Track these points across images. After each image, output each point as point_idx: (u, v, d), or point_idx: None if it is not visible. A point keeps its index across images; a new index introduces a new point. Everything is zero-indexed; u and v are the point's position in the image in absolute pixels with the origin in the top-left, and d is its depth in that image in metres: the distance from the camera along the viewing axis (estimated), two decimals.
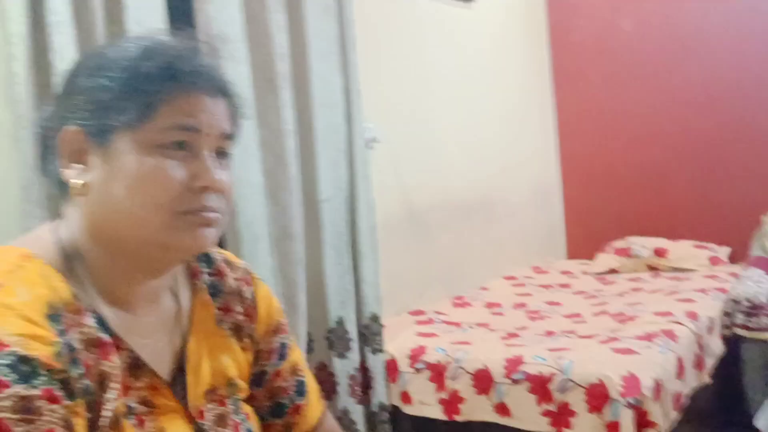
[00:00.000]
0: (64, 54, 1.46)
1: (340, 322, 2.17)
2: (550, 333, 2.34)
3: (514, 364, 2.03)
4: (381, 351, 2.21)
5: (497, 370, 2.04)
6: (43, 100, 1.47)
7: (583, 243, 3.77)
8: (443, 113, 2.96)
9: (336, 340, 2.16)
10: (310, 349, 2.10)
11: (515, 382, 1.99)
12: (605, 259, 3.39)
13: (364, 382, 2.21)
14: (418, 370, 2.18)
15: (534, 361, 2.01)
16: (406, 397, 2.19)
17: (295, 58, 2.05)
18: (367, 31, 2.39)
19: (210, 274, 0.91)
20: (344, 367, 2.16)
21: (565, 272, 3.38)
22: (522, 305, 2.77)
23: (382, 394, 2.20)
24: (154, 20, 1.64)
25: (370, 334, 2.21)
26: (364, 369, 2.21)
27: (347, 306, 2.17)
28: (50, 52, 1.47)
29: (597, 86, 3.70)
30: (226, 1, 1.84)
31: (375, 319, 2.21)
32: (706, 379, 2.37)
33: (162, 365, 0.81)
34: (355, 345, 2.18)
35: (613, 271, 3.31)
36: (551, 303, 2.79)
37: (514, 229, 3.44)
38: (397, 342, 2.28)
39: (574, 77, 3.77)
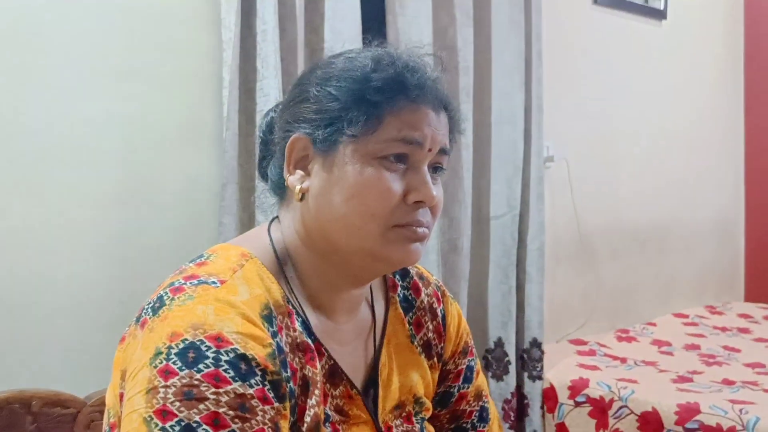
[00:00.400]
0: (268, 61, 1.54)
1: (499, 344, 2.12)
2: (728, 382, 2.14)
3: (688, 411, 1.87)
4: (540, 378, 2.13)
5: (668, 416, 1.88)
6: (246, 105, 1.57)
7: (764, 285, 3.43)
8: (624, 134, 2.81)
9: (494, 361, 2.11)
10: None
11: (689, 431, 1.84)
12: None
13: (519, 407, 2.14)
14: (578, 403, 2.07)
15: (712, 412, 1.84)
16: (562, 430, 2.09)
17: (479, 72, 2.04)
18: (552, 46, 2.33)
19: (405, 288, 0.91)
20: (500, 390, 2.11)
21: (743, 315, 3.09)
22: (694, 347, 2.56)
23: (536, 423, 2.12)
24: (349, 31, 1.70)
25: (529, 359, 2.14)
26: (520, 394, 2.15)
27: (508, 327, 2.11)
28: (256, 59, 1.55)
29: None
30: (417, 15, 1.86)
31: (536, 344, 2.14)
32: None
33: (356, 375, 0.82)
34: (512, 368, 2.12)
35: None
36: (728, 348, 2.56)
37: (689, 264, 3.19)
38: (557, 371, 2.18)
39: (767, 103, 3.44)
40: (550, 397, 2.13)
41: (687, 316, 2.97)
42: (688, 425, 1.84)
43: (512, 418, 2.12)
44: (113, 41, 1.48)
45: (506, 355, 2.11)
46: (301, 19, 1.63)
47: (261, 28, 1.56)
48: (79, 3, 1.43)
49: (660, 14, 2.92)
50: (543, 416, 2.14)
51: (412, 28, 1.86)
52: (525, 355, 2.15)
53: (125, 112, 1.49)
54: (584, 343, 2.48)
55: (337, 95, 0.75)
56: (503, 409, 2.12)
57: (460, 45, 1.95)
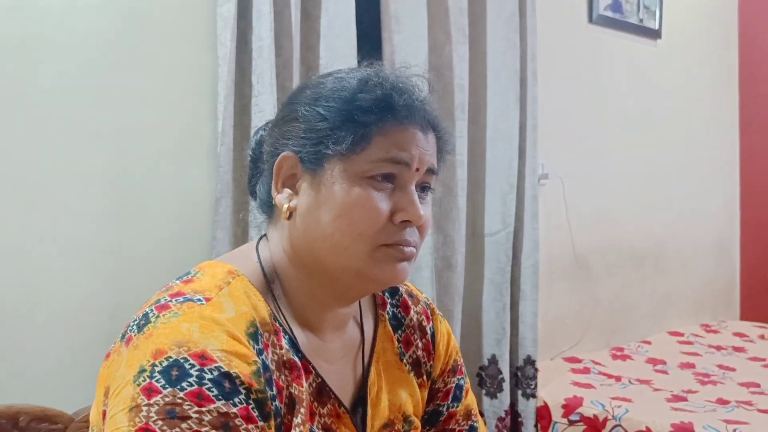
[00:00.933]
0: (264, 77, 1.55)
1: (493, 361, 2.11)
2: (723, 401, 2.13)
3: (681, 431, 1.86)
4: (534, 396, 2.12)
5: None
6: (242, 120, 1.57)
7: (760, 304, 3.43)
8: (619, 153, 2.82)
9: (487, 378, 2.11)
10: None
11: None
12: None
13: (512, 425, 2.13)
14: (571, 422, 2.06)
15: None
16: None
17: (474, 89, 2.05)
18: (548, 64, 2.34)
19: (395, 306, 0.91)
20: (494, 408, 2.10)
21: (738, 334, 3.09)
22: (689, 365, 2.56)
23: None
24: (345, 49, 1.71)
25: (523, 376, 2.13)
26: (514, 412, 2.14)
27: (502, 344, 2.11)
28: (252, 75, 1.56)
29: None
30: (413, 32, 1.88)
31: (530, 361, 2.13)
32: None
33: (344, 393, 0.81)
34: (506, 386, 2.11)
35: None
36: (723, 367, 2.55)
37: (684, 283, 3.19)
38: (551, 389, 2.17)
39: (762, 123, 3.46)
40: (543, 416, 2.12)
41: (682, 335, 2.96)
42: None
43: None
44: (108, 55, 1.48)
45: (500, 372, 2.10)
46: (297, 36, 1.64)
47: (257, 44, 1.57)
48: (74, 17, 1.44)
49: (655, 34, 2.94)
50: None
51: (407, 46, 1.87)
52: (519, 373, 2.14)
53: (119, 126, 1.50)
54: (579, 360, 2.48)
55: (326, 115, 0.75)
56: (497, 427, 2.11)
57: (455, 62, 1.96)
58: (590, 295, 2.71)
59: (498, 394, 2.10)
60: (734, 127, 3.51)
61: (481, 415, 2.08)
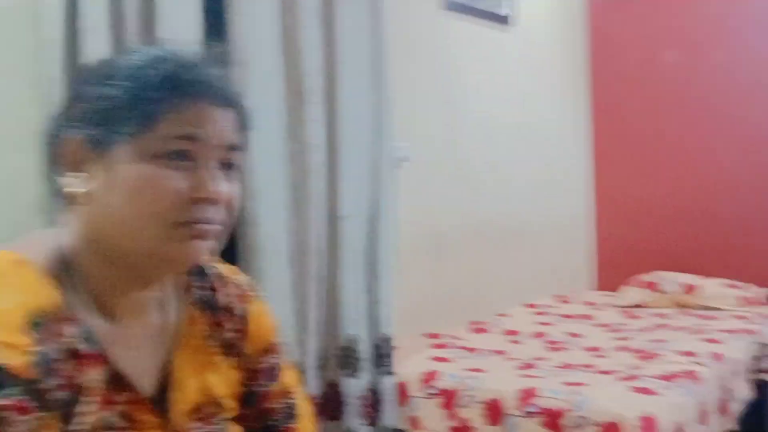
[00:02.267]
0: (97, 58, 1.48)
1: (353, 341, 2.15)
2: (567, 366, 2.28)
3: (527, 396, 1.98)
4: (392, 373, 2.18)
5: (509, 402, 1.99)
6: None
7: (612, 275, 3.69)
8: (475, 136, 2.93)
9: (347, 359, 2.14)
10: (320, 367, 2.08)
11: (528, 414, 1.95)
12: (631, 293, 3.31)
13: (373, 403, 2.18)
14: (429, 395, 2.14)
15: (548, 395, 1.96)
16: (415, 422, 2.15)
17: (327, 73, 2.05)
18: (402, 50, 2.39)
19: (202, 288, 0.90)
20: (354, 388, 2.14)
21: (589, 303, 3.32)
22: (541, 335, 2.71)
23: (391, 417, 2.16)
24: (187, 31, 1.66)
25: (381, 355, 2.19)
26: (374, 390, 2.19)
27: (360, 325, 2.15)
28: (83, 57, 1.49)
29: (636, 117, 3.63)
30: (259, 17, 1.85)
31: (387, 340, 2.19)
32: (731, 425, 2.29)
33: (145, 380, 0.80)
34: (366, 365, 2.15)
35: (639, 306, 3.23)
36: (572, 334, 2.73)
37: (541, 257, 3.38)
38: (410, 365, 2.25)
39: (612, 107, 3.71)
40: (403, 391, 2.19)
41: (537, 306, 3.14)
42: (527, 409, 1.95)
43: (367, 414, 2.15)
44: None
45: (359, 352, 2.14)
46: (133, 16, 1.58)
47: (88, 25, 1.49)
48: None
49: (506, 20, 3.06)
50: (397, 410, 2.19)
51: (255, 29, 1.84)
52: (378, 352, 2.19)
53: None
54: (438, 336, 2.57)
55: (113, 93, 0.74)
56: (359, 405, 2.15)
57: (306, 47, 1.96)
58: (451, 273, 2.81)
59: (358, 374, 2.14)
60: (586, 109, 3.74)
61: (341, 394, 2.11)
